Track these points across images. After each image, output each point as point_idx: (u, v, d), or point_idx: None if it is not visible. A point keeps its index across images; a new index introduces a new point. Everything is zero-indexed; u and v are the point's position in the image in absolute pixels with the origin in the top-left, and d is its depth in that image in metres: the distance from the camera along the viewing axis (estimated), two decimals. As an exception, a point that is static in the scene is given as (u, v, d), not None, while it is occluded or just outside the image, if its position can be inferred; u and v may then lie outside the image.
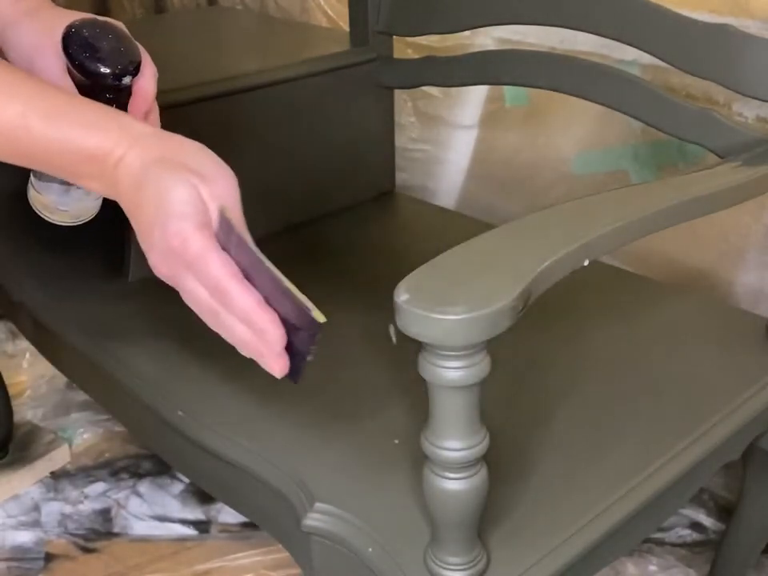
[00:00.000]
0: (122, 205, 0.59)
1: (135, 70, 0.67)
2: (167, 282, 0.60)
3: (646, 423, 0.75)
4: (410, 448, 0.71)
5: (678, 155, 1.16)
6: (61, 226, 0.77)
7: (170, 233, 0.56)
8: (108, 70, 0.66)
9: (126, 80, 0.67)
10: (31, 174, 0.73)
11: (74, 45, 0.66)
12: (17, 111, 0.56)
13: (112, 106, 0.66)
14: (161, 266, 0.59)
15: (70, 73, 0.67)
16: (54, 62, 0.66)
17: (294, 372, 0.58)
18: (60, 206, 0.74)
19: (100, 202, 0.76)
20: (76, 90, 0.67)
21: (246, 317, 0.57)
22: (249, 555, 1.14)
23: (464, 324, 0.49)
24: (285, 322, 0.57)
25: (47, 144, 0.57)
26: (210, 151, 0.59)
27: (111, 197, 0.60)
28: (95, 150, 0.57)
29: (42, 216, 0.75)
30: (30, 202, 0.75)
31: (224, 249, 0.57)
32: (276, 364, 0.57)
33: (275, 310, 0.57)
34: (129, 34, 0.69)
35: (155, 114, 0.70)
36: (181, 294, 0.59)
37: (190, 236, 0.55)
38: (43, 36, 0.67)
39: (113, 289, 0.98)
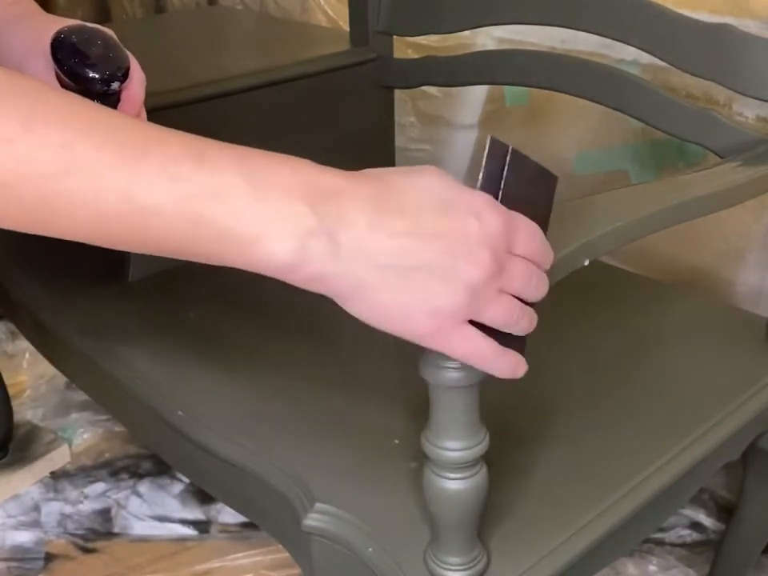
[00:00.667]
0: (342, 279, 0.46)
1: (124, 76, 0.68)
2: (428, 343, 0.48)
3: (645, 423, 0.75)
4: (410, 448, 0.71)
5: (677, 155, 1.16)
6: None
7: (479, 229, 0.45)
8: (97, 76, 0.66)
9: (115, 85, 0.68)
10: None
11: (63, 50, 0.66)
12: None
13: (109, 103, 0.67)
14: (449, 303, 0.46)
15: (59, 78, 0.67)
16: (44, 68, 0.66)
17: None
18: None
19: None
20: None
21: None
22: (249, 555, 1.14)
23: (464, 324, 0.49)
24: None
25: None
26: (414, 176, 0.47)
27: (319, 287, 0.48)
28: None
29: None
30: None
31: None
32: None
33: None
34: (117, 41, 0.69)
35: (143, 118, 0.70)
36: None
37: (502, 218, 0.46)
38: (33, 42, 0.67)
39: (113, 289, 0.98)
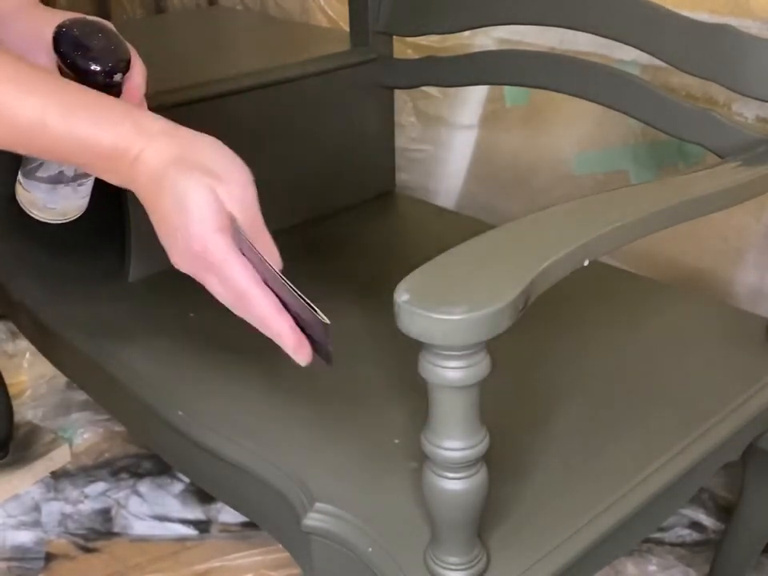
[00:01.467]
0: (141, 200, 0.61)
1: (125, 68, 0.69)
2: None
3: (645, 423, 0.75)
4: (410, 448, 0.71)
5: (678, 155, 1.16)
6: (50, 223, 0.77)
7: (192, 238, 0.57)
8: (99, 68, 0.67)
9: (117, 77, 0.69)
10: (19, 172, 0.74)
11: (65, 43, 0.67)
12: (35, 108, 0.56)
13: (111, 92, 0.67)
14: (183, 264, 0.60)
15: (60, 71, 0.67)
16: (45, 61, 0.67)
17: (322, 357, 0.60)
18: (48, 204, 0.75)
19: (87, 200, 0.77)
20: None
21: (263, 323, 0.59)
22: (249, 555, 1.14)
23: (464, 324, 0.49)
24: (299, 318, 0.59)
25: (64, 141, 0.57)
26: (223, 147, 0.61)
27: (131, 189, 0.61)
28: (111, 149, 0.57)
29: (29, 213, 0.76)
30: (18, 199, 0.76)
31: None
32: (297, 357, 0.60)
33: (289, 310, 0.57)
34: (118, 34, 0.70)
35: (145, 109, 0.71)
36: (205, 286, 0.60)
37: (210, 241, 0.56)
38: (34, 34, 0.68)
39: (113, 289, 0.98)
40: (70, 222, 0.78)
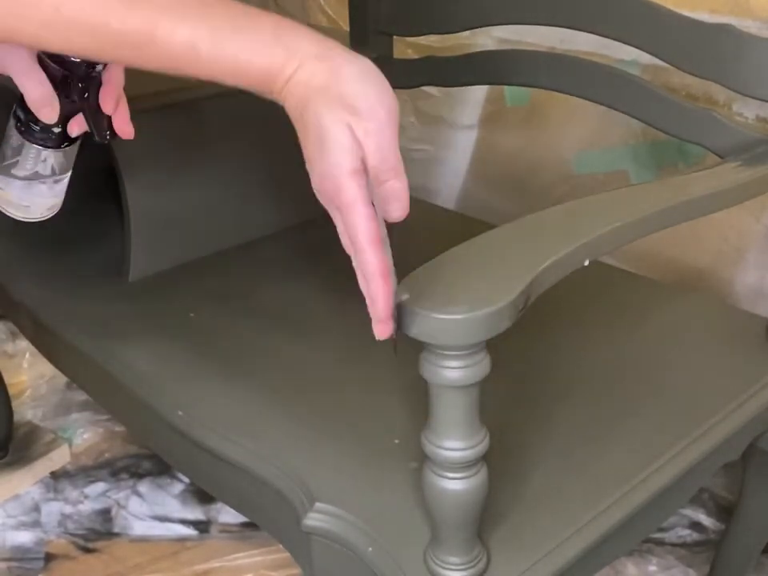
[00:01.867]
0: (292, 121, 0.61)
1: None
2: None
3: (645, 423, 0.75)
4: (410, 448, 0.71)
5: (677, 155, 1.16)
6: (25, 222, 0.77)
7: (325, 177, 0.57)
8: (81, 60, 0.68)
9: (99, 68, 0.69)
10: None
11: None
12: (186, 35, 0.55)
13: (84, 95, 0.69)
14: (317, 192, 0.60)
15: (42, 63, 0.68)
16: (26, 54, 0.67)
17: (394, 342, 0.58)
18: (22, 202, 0.75)
19: (62, 199, 0.77)
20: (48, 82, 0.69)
21: (367, 279, 0.57)
22: (249, 555, 1.14)
23: (464, 324, 0.50)
24: None
25: (216, 66, 0.57)
26: (374, 75, 0.60)
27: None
28: (262, 73, 0.58)
29: (2, 211, 0.76)
30: None
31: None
32: (379, 328, 0.56)
33: None
34: None
35: (124, 101, 0.72)
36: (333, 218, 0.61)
37: (342, 184, 0.56)
38: None
39: (113, 289, 0.98)
40: (47, 220, 0.78)
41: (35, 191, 0.75)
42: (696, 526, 1.16)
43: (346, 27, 1.16)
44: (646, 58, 0.87)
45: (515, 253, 0.57)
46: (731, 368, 0.82)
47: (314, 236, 1.09)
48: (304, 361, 0.84)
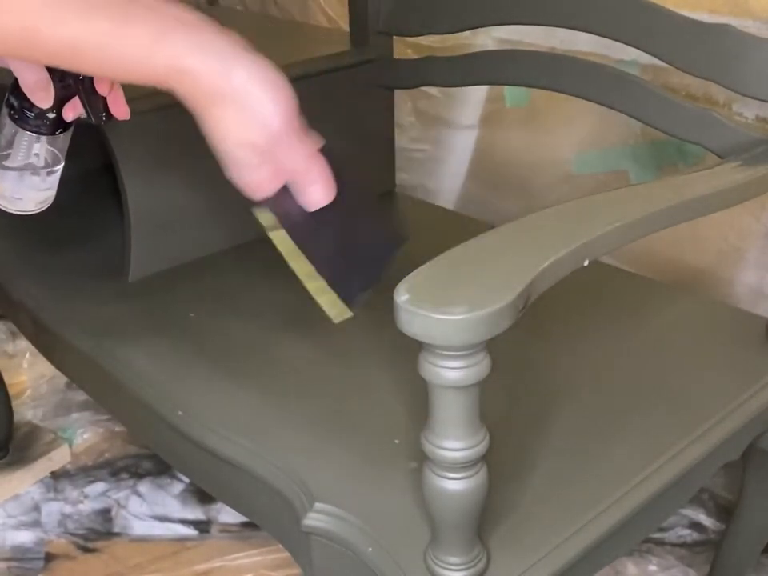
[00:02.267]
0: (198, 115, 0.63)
1: None
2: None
3: (645, 423, 0.75)
4: (410, 448, 0.71)
5: (677, 155, 1.16)
6: (18, 215, 0.77)
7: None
8: None
9: None
10: None
11: None
12: (66, 34, 0.55)
13: (79, 77, 0.70)
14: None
15: None
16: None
17: (354, 295, 0.64)
18: (14, 194, 0.75)
19: (54, 191, 0.77)
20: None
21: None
22: (249, 555, 1.14)
23: (464, 324, 0.49)
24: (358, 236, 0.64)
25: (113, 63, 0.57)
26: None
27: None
28: (163, 69, 0.58)
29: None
30: None
31: None
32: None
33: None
34: None
35: (120, 92, 0.73)
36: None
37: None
38: None
39: (113, 289, 0.98)
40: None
41: (28, 183, 0.75)
42: (696, 526, 1.16)
43: (346, 27, 1.16)
44: (645, 58, 0.87)
45: (515, 252, 0.57)
46: (731, 368, 0.82)
47: (314, 236, 1.10)
48: (304, 361, 0.84)
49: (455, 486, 0.56)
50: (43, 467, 1.27)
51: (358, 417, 0.76)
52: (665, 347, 0.85)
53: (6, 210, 0.77)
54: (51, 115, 0.73)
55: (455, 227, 1.11)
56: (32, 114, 0.72)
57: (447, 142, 1.40)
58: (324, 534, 0.67)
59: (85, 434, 1.35)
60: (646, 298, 0.94)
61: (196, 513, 1.21)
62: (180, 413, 0.79)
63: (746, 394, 0.78)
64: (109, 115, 0.73)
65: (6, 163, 0.74)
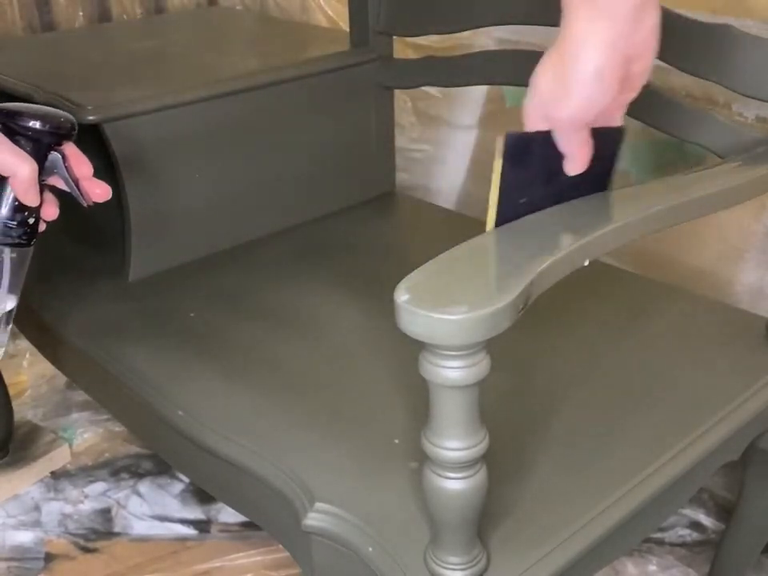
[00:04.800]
0: None
1: (73, 127, 0.68)
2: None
3: (645, 423, 0.75)
4: (410, 448, 0.71)
5: (677, 155, 1.16)
6: None
7: None
8: (47, 128, 0.67)
9: (74, 131, 0.68)
10: None
11: (19, 114, 0.66)
12: None
13: (66, 174, 0.67)
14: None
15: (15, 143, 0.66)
16: (2, 137, 0.65)
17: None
18: None
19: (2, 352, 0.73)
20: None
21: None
22: (249, 555, 1.14)
23: (464, 324, 0.50)
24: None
25: None
26: None
27: None
28: None
29: None
30: None
31: None
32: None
33: None
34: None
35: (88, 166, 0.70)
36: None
37: None
38: None
39: (113, 289, 0.98)
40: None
41: None
42: (696, 525, 1.16)
43: (346, 27, 1.16)
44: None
45: (515, 253, 0.57)
46: (731, 368, 0.82)
47: (314, 236, 1.10)
48: (304, 360, 0.84)
49: (455, 485, 0.56)
50: (43, 467, 1.27)
51: (358, 417, 0.76)
52: (665, 347, 0.85)
53: None
54: (31, 221, 0.68)
55: (455, 227, 1.12)
56: (14, 224, 0.68)
57: (447, 142, 1.40)
58: (324, 534, 0.67)
59: (85, 434, 1.35)
60: (646, 298, 0.94)
61: (196, 513, 1.21)
62: (180, 413, 0.79)
63: (746, 394, 0.78)
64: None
65: None
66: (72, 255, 1.06)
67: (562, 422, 0.75)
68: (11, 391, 1.26)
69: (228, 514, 1.19)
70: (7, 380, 1.23)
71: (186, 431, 0.78)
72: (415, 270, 0.54)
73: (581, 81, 0.60)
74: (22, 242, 0.69)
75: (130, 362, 0.86)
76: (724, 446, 0.76)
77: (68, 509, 1.22)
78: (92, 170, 0.69)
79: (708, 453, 0.74)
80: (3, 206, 0.67)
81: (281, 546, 0.76)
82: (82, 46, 1.22)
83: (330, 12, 1.46)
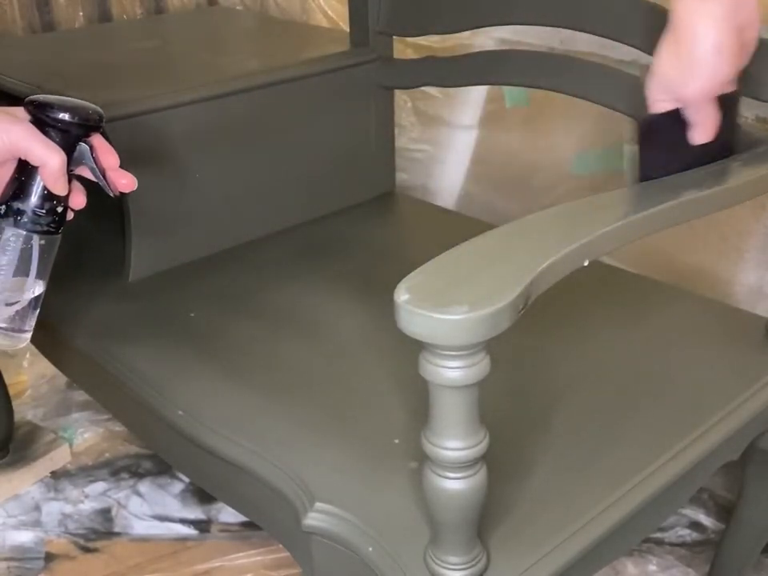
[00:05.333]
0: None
1: (101, 119, 0.69)
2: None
3: (645, 423, 0.75)
4: (410, 448, 0.71)
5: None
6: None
7: None
8: (88, 116, 0.68)
9: (103, 122, 0.69)
10: None
11: (48, 105, 0.66)
12: None
13: (93, 164, 0.68)
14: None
15: (45, 134, 0.67)
16: (33, 127, 0.66)
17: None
18: None
19: (29, 335, 0.73)
20: None
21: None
22: (249, 555, 1.14)
23: (464, 324, 0.50)
24: None
25: None
26: None
27: None
28: None
29: None
30: None
31: None
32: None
33: None
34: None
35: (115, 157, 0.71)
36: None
37: None
38: (4, 113, 0.67)
39: (113, 289, 0.98)
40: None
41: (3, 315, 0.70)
42: (696, 525, 1.16)
43: (346, 27, 1.16)
44: (646, 58, 0.87)
45: (515, 253, 0.57)
46: (731, 368, 0.82)
47: (314, 236, 1.10)
48: (304, 361, 0.84)
49: (455, 485, 0.56)
50: (43, 467, 1.27)
51: (358, 417, 0.76)
52: (665, 347, 0.85)
53: None
54: (60, 209, 0.69)
55: (455, 227, 1.12)
56: (43, 212, 0.69)
57: (447, 141, 1.40)
58: (324, 534, 0.67)
59: (85, 434, 1.35)
60: (646, 298, 0.94)
61: (196, 513, 1.21)
62: (180, 413, 0.79)
63: (745, 394, 0.78)
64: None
65: None
66: (72, 255, 1.06)
67: (561, 421, 0.75)
68: (11, 391, 1.26)
69: (228, 514, 1.19)
70: (7, 380, 1.23)
71: (186, 431, 0.78)
72: (415, 270, 0.54)
73: (703, 58, 0.65)
74: (51, 229, 0.70)
75: (130, 362, 0.86)
76: (724, 446, 0.76)
77: (68, 509, 1.22)
78: (118, 161, 0.70)
79: (708, 453, 0.74)
80: (33, 194, 0.68)
81: (281, 545, 0.76)
82: (82, 46, 1.22)
83: (329, 12, 1.46)
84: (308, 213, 1.13)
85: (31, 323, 0.73)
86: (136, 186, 0.71)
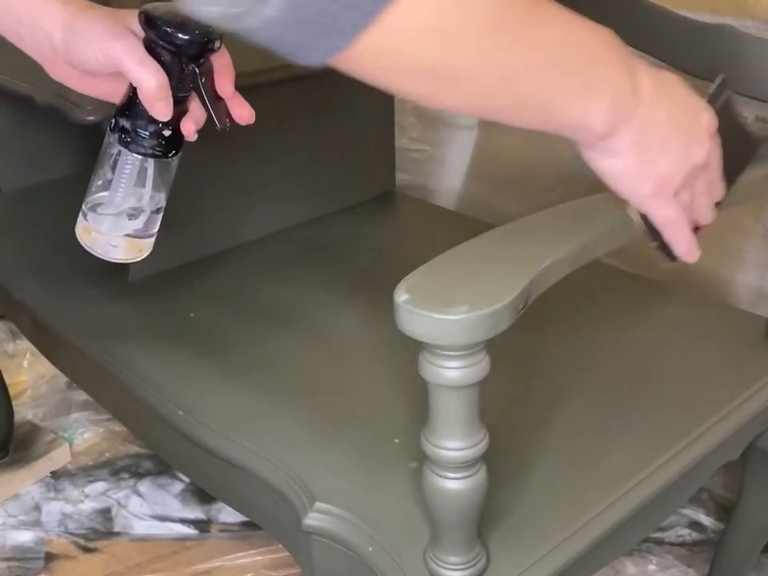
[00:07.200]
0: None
1: (219, 39, 0.64)
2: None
3: (645, 423, 0.75)
4: (410, 448, 0.71)
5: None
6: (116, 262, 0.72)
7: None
8: (201, 35, 0.62)
9: (217, 43, 0.63)
10: (82, 206, 0.69)
11: (156, 22, 0.61)
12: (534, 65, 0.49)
13: (201, 91, 0.63)
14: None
15: (151, 51, 0.62)
16: (138, 41, 0.62)
17: None
18: (111, 242, 0.70)
19: (154, 238, 0.71)
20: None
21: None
22: (249, 555, 1.14)
23: (464, 324, 0.50)
24: None
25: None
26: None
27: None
28: (578, 124, 0.56)
29: (92, 253, 0.71)
30: (78, 237, 0.70)
31: None
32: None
33: None
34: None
35: (239, 95, 0.66)
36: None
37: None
38: (114, 21, 0.62)
39: (113, 289, 0.98)
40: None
41: (125, 227, 0.69)
42: (696, 525, 1.16)
43: (346, 27, 1.16)
44: (645, 58, 0.87)
45: (515, 253, 0.57)
46: (731, 368, 0.82)
47: (314, 236, 1.10)
48: (304, 360, 0.84)
49: (455, 485, 0.56)
50: (43, 467, 1.27)
51: (358, 416, 0.76)
52: (665, 347, 0.85)
53: (101, 257, 0.71)
54: (167, 132, 0.65)
55: (455, 227, 1.12)
56: (146, 134, 0.65)
57: (447, 141, 1.40)
58: (324, 534, 0.67)
59: (85, 434, 1.35)
60: (646, 298, 0.94)
61: (196, 512, 1.21)
62: (180, 413, 0.79)
63: (745, 394, 0.78)
64: (230, 120, 0.65)
65: (102, 210, 0.68)
66: (72, 255, 1.06)
67: (561, 421, 0.75)
68: (11, 391, 1.26)
69: (228, 514, 1.19)
70: (7, 380, 1.23)
71: (186, 431, 0.78)
72: (415, 270, 0.54)
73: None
74: (157, 153, 0.66)
75: (130, 362, 0.86)
76: (724, 446, 0.76)
77: (68, 508, 1.22)
78: (233, 89, 0.64)
79: (708, 453, 0.74)
80: (136, 114, 0.64)
81: (281, 545, 0.76)
82: (82, 46, 1.22)
83: (330, 12, 1.45)
84: (308, 213, 1.13)
85: (154, 228, 0.70)
86: (253, 121, 0.65)
